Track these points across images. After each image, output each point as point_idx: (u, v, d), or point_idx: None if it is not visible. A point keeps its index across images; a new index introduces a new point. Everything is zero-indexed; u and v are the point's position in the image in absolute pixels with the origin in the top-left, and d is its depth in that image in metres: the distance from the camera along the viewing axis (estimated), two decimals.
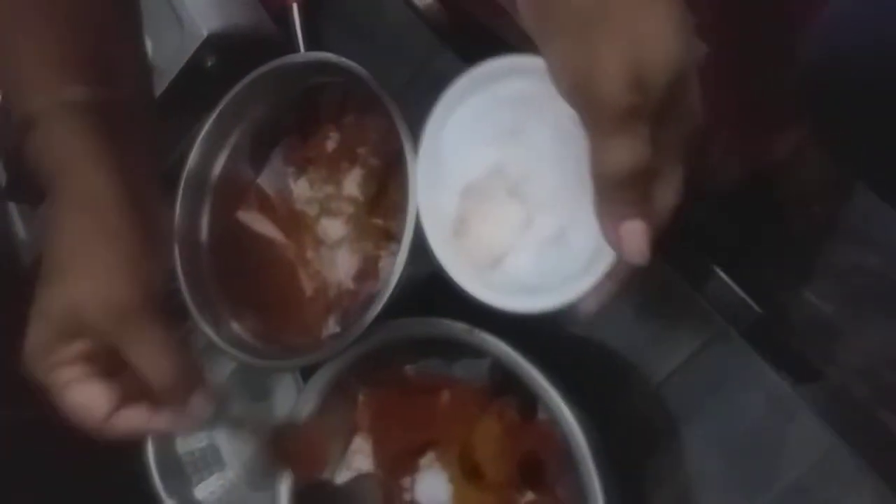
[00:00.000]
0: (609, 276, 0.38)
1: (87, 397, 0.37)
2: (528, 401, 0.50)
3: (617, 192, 0.32)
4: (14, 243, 0.65)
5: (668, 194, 0.33)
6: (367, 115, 0.55)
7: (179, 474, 0.64)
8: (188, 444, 0.65)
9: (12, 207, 0.67)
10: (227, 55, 0.55)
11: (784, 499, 0.45)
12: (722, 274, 0.64)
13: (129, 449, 0.63)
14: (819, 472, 0.44)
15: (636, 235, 0.33)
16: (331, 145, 0.56)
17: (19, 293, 0.68)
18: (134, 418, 0.38)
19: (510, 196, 0.43)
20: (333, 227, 0.55)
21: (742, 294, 0.63)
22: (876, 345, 0.93)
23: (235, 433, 0.64)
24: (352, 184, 0.54)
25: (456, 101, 0.44)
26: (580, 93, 0.31)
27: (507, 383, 0.51)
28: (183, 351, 0.39)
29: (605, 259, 0.38)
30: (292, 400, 0.59)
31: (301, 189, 0.56)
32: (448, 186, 0.44)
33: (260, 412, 0.63)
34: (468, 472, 0.49)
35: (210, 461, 0.65)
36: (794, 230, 1.02)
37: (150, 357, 0.37)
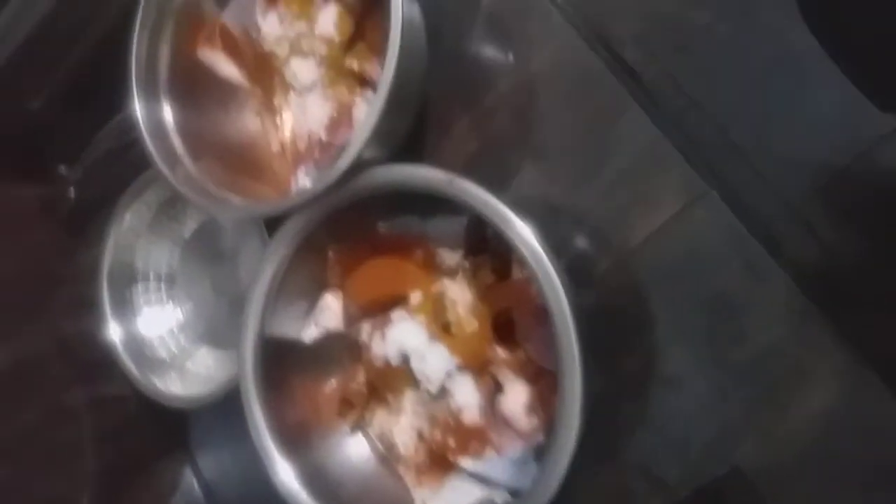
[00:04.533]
0: None
1: None
2: (504, 261, 0.48)
3: None
4: None
5: None
6: None
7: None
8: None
9: None
10: None
11: (757, 359, 0.45)
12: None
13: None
14: (791, 336, 0.44)
15: None
16: None
17: None
18: None
19: None
20: (304, 70, 0.51)
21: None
22: None
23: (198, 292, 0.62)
24: (326, 21, 0.49)
25: None
26: None
27: (482, 243, 0.49)
28: None
29: None
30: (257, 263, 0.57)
31: (270, 26, 0.51)
32: None
33: (224, 272, 0.61)
34: (440, 330, 0.48)
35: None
36: None
37: None
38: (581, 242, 0.50)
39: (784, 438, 0.45)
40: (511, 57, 0.51)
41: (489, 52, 0.52)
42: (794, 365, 0.45)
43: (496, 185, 0.51)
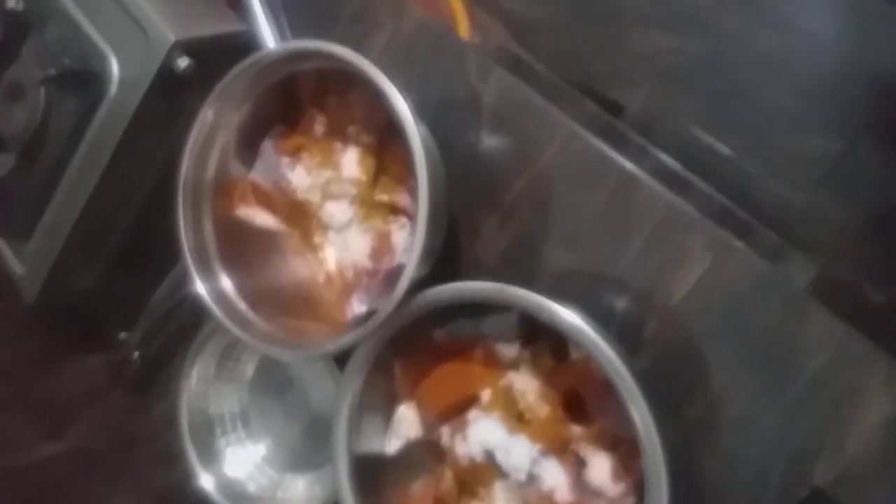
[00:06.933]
0: None
1: None
2: (560, 343, 0.52)
3: None
4: (14, 281, 0.64)
5: None
6: (349, 92, 0.55)
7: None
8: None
9: (2, 245, 0.65)
10: (198, 58, 0.54)
11: (812, 386, 0.48)
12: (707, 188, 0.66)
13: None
14: (839, 359, 0.48)
15: None
16: (319, 129, 0.55)
17: (27, 330, 0.68)
18: None
19: None
20: (339, 211, 0.55)
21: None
22: None
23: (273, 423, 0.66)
24: (350, 164, 0.54)
25: None
26: None
27: (536, 331, 0.53)
28: None
29: None
30: (324, 385, 0.61)
31: (299, 178, 0.56)
32: None
33: (294, 399, 0.65)
34: (516, 420, 0.51)
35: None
36: None
37: None
38: (626, 309, 0.53)
39: (852, 452, 0.48)
40: (520, 155, 0.55)
41: (499, 154, 0.56)
42: (847, 383, 0.48)
43: (532, 274, 0.55)
